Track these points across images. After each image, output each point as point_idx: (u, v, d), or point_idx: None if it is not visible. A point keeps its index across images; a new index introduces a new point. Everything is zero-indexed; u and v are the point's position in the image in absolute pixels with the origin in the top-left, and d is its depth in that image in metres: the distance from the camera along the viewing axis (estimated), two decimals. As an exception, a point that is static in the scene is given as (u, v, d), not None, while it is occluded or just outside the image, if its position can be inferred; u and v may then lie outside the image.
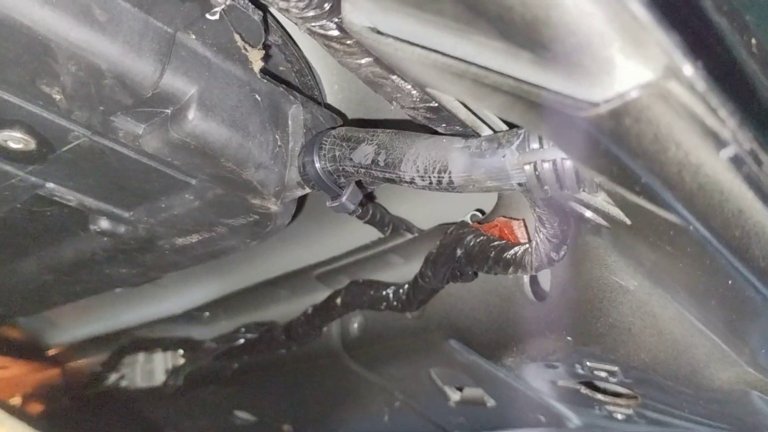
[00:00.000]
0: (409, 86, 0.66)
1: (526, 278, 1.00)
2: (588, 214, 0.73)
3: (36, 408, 2.10)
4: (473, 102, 0.53)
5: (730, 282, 0.58)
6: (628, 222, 0.62)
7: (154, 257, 1.05)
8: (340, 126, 0.81)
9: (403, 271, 1.21)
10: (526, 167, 0.60)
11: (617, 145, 0.44)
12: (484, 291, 1.06)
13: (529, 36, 0.40)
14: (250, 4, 0.72)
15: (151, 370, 1.75)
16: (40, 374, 2.07)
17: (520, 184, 0.62)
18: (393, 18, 0.52)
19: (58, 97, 0.71)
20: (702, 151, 0.42)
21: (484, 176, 0.63)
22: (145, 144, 0.77)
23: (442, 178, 0.66)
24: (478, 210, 1.02)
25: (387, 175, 0.71)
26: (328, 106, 0.93)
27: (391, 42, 0.54)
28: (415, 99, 0.68)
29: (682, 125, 0.40)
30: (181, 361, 1.71)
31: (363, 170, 0.74)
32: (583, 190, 0.61)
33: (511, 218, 0.92)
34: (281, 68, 0.88)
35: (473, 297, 1.09)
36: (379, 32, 0.56)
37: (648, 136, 0.42)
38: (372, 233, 1.23)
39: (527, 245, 0.87)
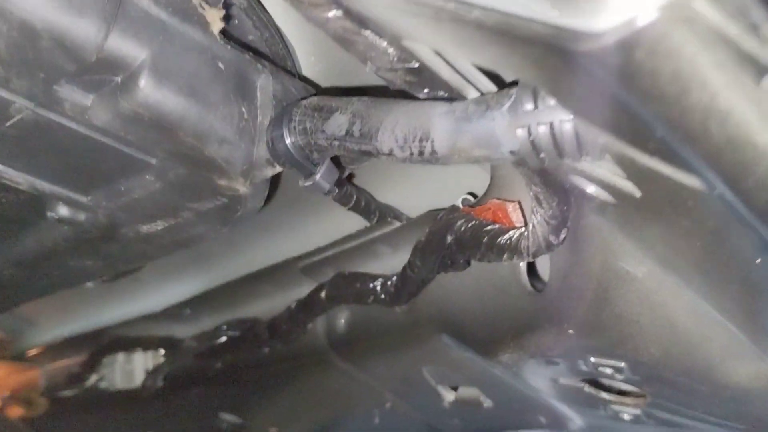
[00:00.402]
0: (384, 43, 0.58)
1: (522, 267, 0.92)
2: (591, 189, 0.64)
3: (15, 411, 2.02)
4: (454, 49, 0.45)
5: (758, 261, 0.49)
6: (638, 194, 0.54)
7: (118, 247, 0.96)
8: (312, 95, 0.72)
9: (391, 261, 1.12)
10: (519, 131, 0.52)
11: (626, 87, 0.36)
12: (477, 281, 0.98)
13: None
14: (207, -44, 0.64)
15: (131, 370, 1.67)
16: (20, 376, 1.99)
17: (512, 152, 0.54)
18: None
19: (-8, 62, 0.63)
20: (734, 90, 0.34)
21: (471, 143, 0.55)
22: (94, 116, 0.69)
23: (424, 147, 0.58)
24: (469, 194, 0.94)
25: (363, 147, 0.63)
26: (304, 79, 0.84)
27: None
28: (391, 58, 0.59)
29: (710, 56, 0.32)
30: (163, 360, 1.63)
31: (337, 143, 0.66)
32: (586, 157, 0.53)
33: (505, 200, 0.84)
34: (250, 37, 0.80)
35: (466, 288, 1.00)
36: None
37: (665, 73, 0.34)
38: (359, 222, 1.15)
39: (523, 229, 0.79)
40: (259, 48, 0.79)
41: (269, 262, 1.34)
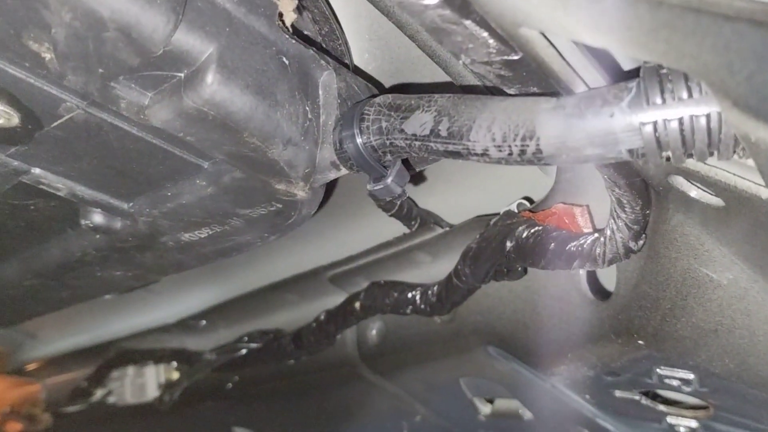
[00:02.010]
0: (486, 33, 0.54)
1: (582, 274, 0.88)
2: (694, 193, 0.61)
3: (14, 427, 1.95)
4: (609, 35, 0.40)
5: None
6: (765, 196, 0.51)
7: (154, 256, 0.91)
8: (383, 94, 0.68)
9: (430, 270, 1.09)
10: (646, 128, 0.48)
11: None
12: (530, 291, 0.94)
13: None
14: (282, -59, 0.59)
15: (143, 384, 1.61)
16: (19, 390, 1.92)
17: (630, 151, 0.50)
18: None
19: (48, 56, 0.57)
20: None
21: (584, 142, 0.51)
22: (153, 116, 0.63)
23: (527, 146, 0.54)
24: (525, 198, 0.90)
25: (451, 147, 0.59)
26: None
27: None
28: (491, 50, 0.55)
29: None
30: (175, 374, 1.57)
31: (418, 143, 0.61)
32: (710, 157, 0.49)
33: (572, 204, 0.80)
34: (306, 32, 0.75)
35: (516, 298, 0.96)
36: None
37: None
38: (393, 229, 1.10)
39: (597, 234, 0.75)
40: (317, 43, 0.74)
41: (293, 271, 1.29)
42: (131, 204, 0.80)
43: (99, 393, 1.70)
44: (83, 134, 0.68)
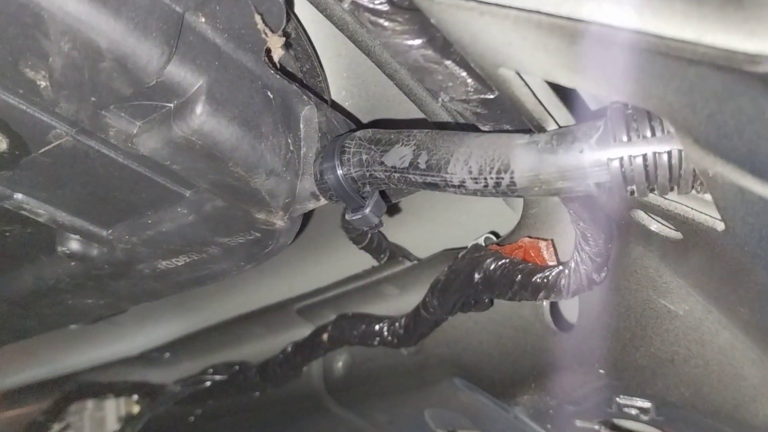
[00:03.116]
0: (465, 73, 0.58)
1: (546, 306, 0.91)
2: (654, 227, 0.65)
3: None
4: (573, 76, 0.45)
5: None
6: (721, 228, 0.55)
7: (129, 284, 0.92)
8: (361, 129, 0.71)
9: (397, 302, 1.11)
10: (613, 164, 0.52)
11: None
12: (495, 322, 0.98)
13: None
14: (273, -19, 0.63)
15: (102, 418, 1.59)
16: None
17: (597, 185, 0.54)
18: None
19: (43, 84, 0.59)
20: None
21: (555, 176, 0.55)
22: (141, 144, 0.66)
23: (501, 179, 0.57)
24: (492, 232, 0.94)
25: (429, 179, 0.62)
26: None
27: (475, 5, 0.45)
28: (469, 89, 0.59)
29: None
30: (136, 407, 1.56)
31: (398, 175, 0.64)
32: (671, 192, 0.53)
33: (538, 238, 0.84)
34: (288, 68, 0.79)
35: (482, 329, 1.00)
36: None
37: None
38: (361, 262, 1.13)
39: (562, 267, 0.79)
40: (298, 79, 0.78)
41: (261, 303, 1.30)
42: (110, 231, 0.81)
43: (56, 427, 1.67)
44: (70, 161, 0.69)
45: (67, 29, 0.55)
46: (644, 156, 0.52)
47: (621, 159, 0.52)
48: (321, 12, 0.64)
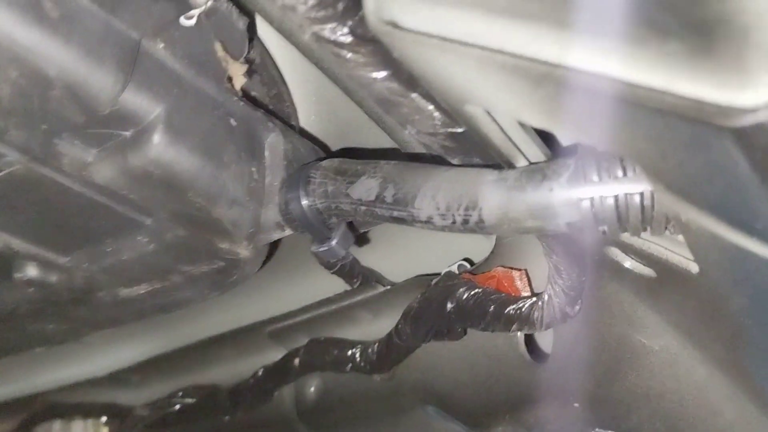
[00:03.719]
0: (431, 107, 0.56)
1: (520, 337, 0.89)
2: (628, 264, 0.63)
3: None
4: (540, 117, 0.43)
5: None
6: (696, 270, 0.53)
7: (90, 311, 0.89)
8: (330, 158, 0.69)
9: (370, 328, 1.08)
10: (583, 204, 0.50)
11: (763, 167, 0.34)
12: (469, 351, 0.95)
13: (686, 17, 0.30)
14: (234, 8, 0.60)
15: (69, 440, 1.55)
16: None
17: (568, 224, 0.52)
18: (446, 13, 0.42)
19: (-10, 111, 0.57)
20: None
21: (524, 214, 0.53)
22: (96, 173, 0.63)
23: (470, 216, 0.55)
24: (465, 259, 0.92)
25: (396, 214, 0.60)
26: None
27: (437, 43, 0.43)
28: (436, 123, 0.57)
29: None
30: (104, 429, 1.52)
31: (363, 208, 0.62)
32: (643, 232, 0.51)
33: (511, 268, 0.82)
34: (254, 93, 0.76)
35: (456, 358, 0.97)
36: (414, 31, 0.45)
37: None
38: (334, 286, 1.10)
39: (535, 298, 0.77)
40: (264, 105, 0.75)
41: (232, 326, 1.27)
42: (69, 258, 0.78)
43: (22, 448, 1.63)
44: (23, 188, 0.66)
45: (13, 57, 0.52)
46: (616, 197, 0.50)
47: (592, 199, 0.50)
48: (286, 38, 0.62)
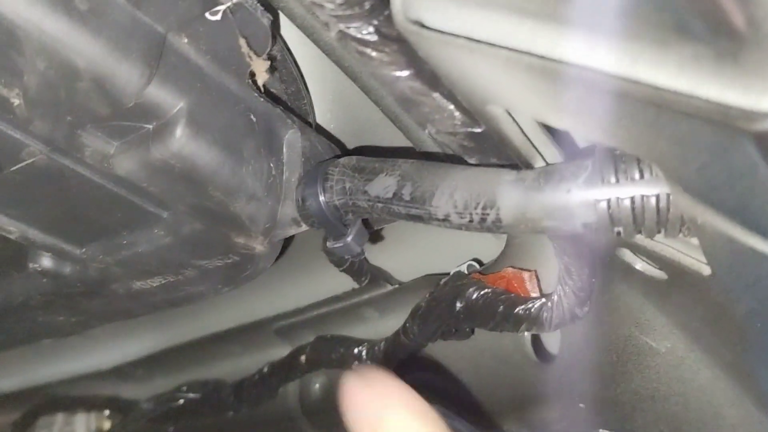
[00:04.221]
0: (452, 106, 0.57)
1: (527, 336, 0.90)
2: (639, 265, 0.64)
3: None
4: (573, 119, 0.44)
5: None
6: (707, 273, 0.54)
7: (102, 303, 0.90)
8: (347, 155, 0.70)
9: (377, 326, 1.09)
10: (600, 205, 0.51)
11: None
12: (475, 351, 0.96)
13: (715, 22, 0.31)
14: (258, 4, 0.61)
15: (72, 432, 1.55)
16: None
17: (584, 225, 0.53)
18: (474, 13, 0.43)
19: (16, 101, 0.58)
20: None
21: (541, 214, 0.54)
22: (117, 165, 0.64)
23: (487, 215, 0.56)
24: (474, 260, 0.92)
25: (413, 211, 0.61)
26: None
27: (464, 43, 0.44)
28: (456, 122, 0.58)
29: None
30: (107, 423, 1.53)
31: (381, 205, 0.63)
32: (658, 234, 0.52)
33: (521, 269, 0.83)
34: (272, 89, 0.77)
35: (461, 357, 0.98)
36: (441, 32, 0.46)
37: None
38: (342, 283, 1.11)
39: (544, 299, 0.78)
40: (283, 101, 0.76)
41: (238, 321, 1.28)
42: (84, 250, 0.79)
43: (24, 440, 1.64)
44: (43, 179, 0.67)
45: (42, 48, 0.53)
46: (632, 198, 0.51)
47: (608, 200, 0.51)
48: (308, 36, 0.63)
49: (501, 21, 0.42)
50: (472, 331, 0.92)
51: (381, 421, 0.46)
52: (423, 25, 0.47)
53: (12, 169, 0.66)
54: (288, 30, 0.72)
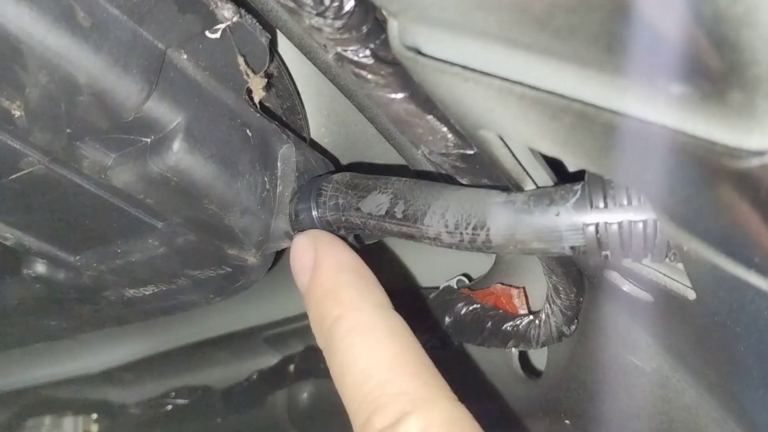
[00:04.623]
0: (445, 129, 0.58)
1: (515, 352, 0.91)
2: (626, 287, 0.65)
3: None
4: (562, 148, 0.45)
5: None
6: (692, 297, 0.55)
7: (94, 310, 0.90)
8: (342, 172, 0.71)
9: (366, 337, 1.10)
10: (588, 229, 0.52)
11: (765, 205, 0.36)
12: (462, 365, 0.97)
13: (701, 66, 0.32)
14: (257, 24, 0.62)
15: (59, 436, 1.55)
16: None
17: (572, 248, 0.54)
18: (470, 43, 0.44)
19: (17, 113, 0.58)
20: None
21: (531, 236, 0.55)
22: (115, 177, 0.65)
23: (477, 235, 0.57)
24: (464, 275, 0.94)
25: (405, 229, 0.62)
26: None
27: (458, 71, 0.45)
28: (449, 144, 0.59)
29: None
30: (94, 426, 1.53)
31: (373, 222, 0.64)
32: (645, 259, 0.54)
33: (510, 286, 0.84)
34: (267, 104, 0.78)
35: (448, 372, 0.99)
36: (437, 59, 0.47)
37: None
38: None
39: (532, 317, 0.79)
40: (278, 116, 0.77)
41: (228, 329, 1.29)
42: (78, 257, 0.80)
43: (10, 442, 1.64)
44: (40, 188, 0.68)
45: (45, 63, 0.54)
46: (620, 224, 0.52)
47: (597, 225, 0.52)
48: (305, 55, 0.64)
49: (495, 51, 0.43)
50: (461, 346, 0.93)
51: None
52: (419, 52, 0.48)
53: (10, 177, 0.67)
54: (285, 46, 0.73)
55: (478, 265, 0.94)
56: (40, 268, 0.83)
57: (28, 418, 1.62)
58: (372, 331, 0.58)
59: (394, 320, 0.60)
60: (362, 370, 0.56)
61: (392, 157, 0.82)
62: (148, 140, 0.63)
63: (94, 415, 1.53)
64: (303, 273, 0.64)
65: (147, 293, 0.84)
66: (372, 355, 0.56)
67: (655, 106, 0.37)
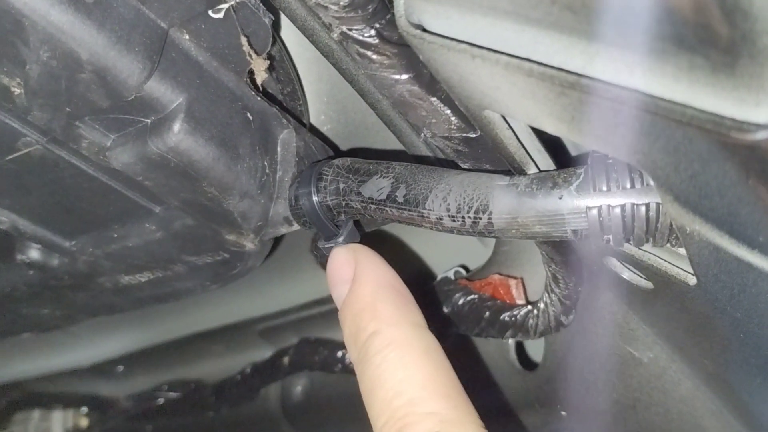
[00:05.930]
0: (449, 111, 0.58)
1: (511, 344, 0.91)
2: (626, 275, 0.65)
3: None
4: (568, 126, 0.45)
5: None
6: (693, 282, 0.55)
7: (88, 297, 0.90)
8: (341, 156, 0.71)
9: (361, 330, 1.10)
10: (591, 212, 0.52)
11: (774, 181, 0.36)
12: (459, 356, 0.97)
13: (711, 35, 0.32)
14: (261, 4, 0.62)
15: (48, 429, 1.54)
16: None
17: (575, 231, 0.54)
18: (477, 20, 0.44)
19: (17, 91, 0.58)
20: None
21: (533, 220, 0.55)
22: (113, 158, 0.64)
23: (479, 219, 0.57)
24: (461, 266, 0.93)
25: (406, 214, 0.62)
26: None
27: (466, 48, 0.45)
28: (452, 126, 0.59)
29: None
30: (84, 420, 1.52)
31: (374, 206, 0.64)
32: (646, 243, 0.54)
33: (508, 276, 0.84)
34: (269, 89, 0.78)
35: (445, 362, 0.99)
36: (443, 36, 0.47)
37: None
38: (326, 287, 1.12)
39: (530, 306, 0.79)
40: (278, 101, 0.77)
41: (222, 321, 1.28)
42: (74, 242, 0.79)
43: (-2, 436, 1.62)
44: (38, 169, 0.68)
45: (47, 38, 0.54)
46: (623, 207, 0.52)
47: (599, 208, 0.52)
48: (308, 38, 0.63)
49: (503, 28, 0.43)
50: (459, 336, 0.93)
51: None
52: (425, 30, 0.48)
53: (7, 158, 0.66)
54: (286, 31, 0.73)
55: (476, 255, 0.93)
56: (35, 253, 0.82)
57: (16, 412, 1.61)
58: (408, 349, 0.58)
59: (429, 340, 0.60)
60: (394, 386, 0.55)
61: (392, 145, 0.82)
62: (149, 121, 0.63)
63: (84, 409, 1.52)
64: (341, 285, 0.64)
65: (143, 280, 0.84)
66: (405, 373, 0.56)
67: (663, 79, 0.37)
